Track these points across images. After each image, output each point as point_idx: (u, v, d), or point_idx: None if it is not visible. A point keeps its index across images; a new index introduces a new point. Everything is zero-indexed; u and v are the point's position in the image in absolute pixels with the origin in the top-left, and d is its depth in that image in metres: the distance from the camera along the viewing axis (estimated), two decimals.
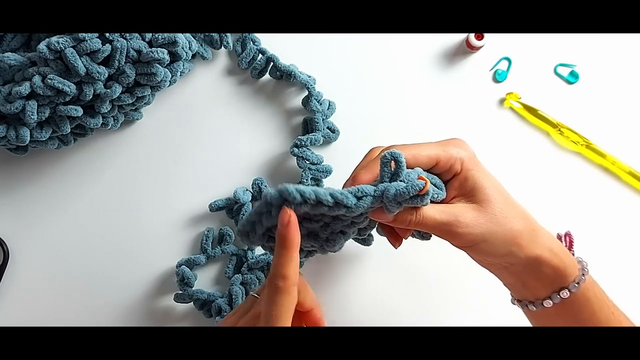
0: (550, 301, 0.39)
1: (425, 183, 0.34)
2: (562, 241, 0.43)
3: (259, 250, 0.54)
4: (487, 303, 0.53)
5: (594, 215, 0.54)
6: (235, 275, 0.52)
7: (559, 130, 0.55)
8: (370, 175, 0.38)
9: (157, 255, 0.54)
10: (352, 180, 0.39)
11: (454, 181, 0.40)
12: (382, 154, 0.35)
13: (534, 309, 0.40)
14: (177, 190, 0.55)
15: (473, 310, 0.53)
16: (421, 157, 0.39)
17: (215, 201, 0.53)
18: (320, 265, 0.54)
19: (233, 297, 0.51)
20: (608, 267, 0.54)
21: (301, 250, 0.40)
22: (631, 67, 0.56)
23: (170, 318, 0.54)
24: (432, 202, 0.37)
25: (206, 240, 0.53)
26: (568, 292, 0.38)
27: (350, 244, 0.54)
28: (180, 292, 0.52)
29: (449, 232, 0.37)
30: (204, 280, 0.54)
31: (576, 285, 0.38)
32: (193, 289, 0.52)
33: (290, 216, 0.34)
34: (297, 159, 0.53)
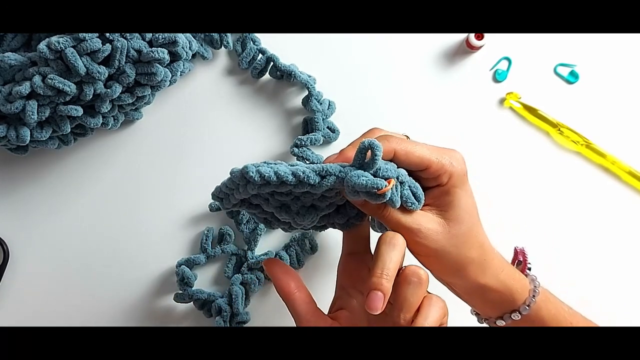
0: (503, 321, 0.40)
1: (387, 185, 0.34)
2: (516, 258, 0.43)
3: (259, 250, 0.54)
4: None
5: (594, 215, 0.54)
6: (235, 275, 0.52)
7: (559, 130, 0.55)
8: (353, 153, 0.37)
9: (157, 255, 0.54)
10: (339, 154, 0.39)
11: (436, 190, 0.39)
12: (364, 140, 0.35)
13: (488, 325, 0.41)
14: (177, 190, 0.55)
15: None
16: (413, 156, 0.38)
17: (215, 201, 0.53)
18: (320, 263, 0.54)
19: (233, 297, 0.51)
20: (608, 267, 0.54)
21: (280, 222, 0.41)
22: (631, 67, 0.56)
23: (170, 318, 0.54)
24: (403, 207, 0.37)
25: (206, 240, 0.53)
26: (519, 315, 0.39)
27: None
28: (180, 292, 0.52)
29: (408, 238, 0.37)
30: (204, 280, 0.54)
31: (527, 307, 0.39)
32: (193, 288, 0.52)
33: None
34: (297, 158, 0.53)
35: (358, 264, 0.40)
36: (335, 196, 0.39)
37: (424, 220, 0.37)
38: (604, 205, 0.55)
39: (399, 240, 0.36)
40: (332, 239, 0.54)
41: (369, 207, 0.37)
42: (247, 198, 0.39)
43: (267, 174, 0.35)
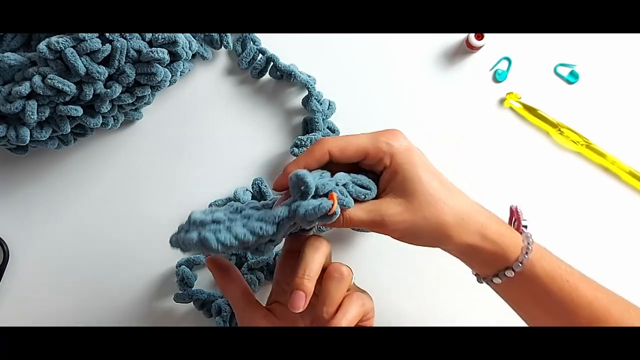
0: (499, 279, 0.40)
1: (333, 204, 0.35)
2: (512, 217, 0.43)
3: None
4: (485, 294, 0.53)
5: (594, 215, 0.54)
6: None
7: (559, 130, 0.55)
8: (296, 167, 0.39)
9: (157, 255, 0.54)
10: (283, 172, 0.40)
11: (385, 174, 0.40)
12: (290, 174, 0.36)
13: (486, 284, 0.42)
14: (177, 190, 0.55)
15: (472, 303, 0.53)
16: (349, 151, 0.40)
17: (215, 201, 0.53)
18: None
19: None
20: (608, 267, 0.54)
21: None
22: (631, 67, 0.56)
23: (170, 318, 0.54)
24: (360, 201, 0.39)
25: None
26: (512, 272, 0.39)
27: (352, 239, 0.54)
28: (180, 292, 0.52)
29: (377, 229, 0.39)
30: (204, 280, 0.54)
31: (519, 264, 0.39)
32: (193, 289, 0.52)
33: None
34: None
35: (294, 261, 0.40)
36: (292, 227, 0.39)
37: (384, 207, 0.38)
38: (604, 205, 0.55)
39: (322, 244, 0.39)
40: (332, 240, 0.54)
41: (330, 224, 0.38)
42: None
43: (228, 241, 0.36)
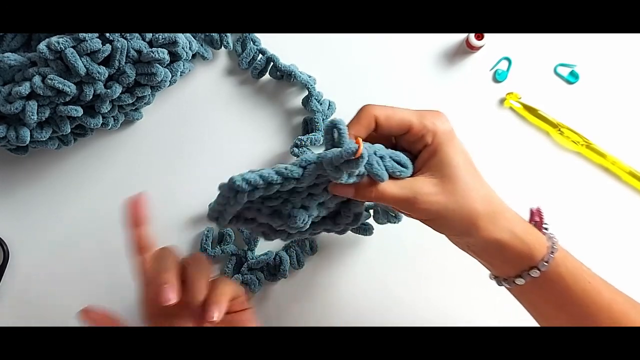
0: (522, 279, 0.39)
1: (358, 147, 0.34)
2: (532, 218, 0.42)
3: (259, 251, 0.54)
4: (488, 296, 0.53)
5: (594, 215, 0.54)
6: (235, 276, 0.52)
7: (559, 130, 0.55)
8: (353, 132, 0.39)
9: None
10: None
11: (424, 153, 0.39)
12: (327, 122, 0.36)
13: (509, 286, 0.41)
14: (177, 190, 0.55)
15: (475, 305, 0.53)
16: (394, 120, 0.39)
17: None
18: (320, 263, 0.54)
19: None
20: (608, 267, 0.54)
21: (277, 231, 0.42)
22: (631, 67, 0.56)
23: None
24: (394, 178, 0.38)
25: (206, 240, 0.53)
26: (538, 272, 0.39)
27: (353, 240, 0.54)
28: None
29: (408, 207, 0.38)
30: None
31: (545, 264, 0.38)
32: None
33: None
34: (297, 159, 0.53)
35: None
36: (322, 193, 0.39)
37: (418, 185, 0.38)
38: (604, 205, 0.55)
39: (164, 252, 0.40)
40: (333, 240, 0.54)
41: (360, 194, 0.38)
42: (241, 213, 0.40)
43: (253, 179, 0.36)
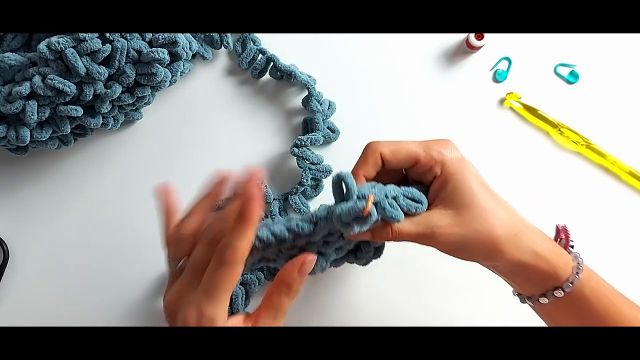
0: (546, 299, 0.39)
1: (367, 205, 0.34)
2: (558, 236, 0.42)
3: None
4: (493, 300, 0.53)
5: (594, 216, 0.54)
6: None
7: (559, 130, 0.55)
8: (354, 177, 0.38)
9: (157, 255, 0.53)
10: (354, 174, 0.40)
11: (435, 184, 0.39)
12: (334, 175, 0.36)
13: (532, 304, 0.40)
14: (177, 190, 0.55)
15: (477, 306, 0.53)
16: (400, 154, 0.39)
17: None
18: None
19: (232, 297, 0.51)
20: (609, 267, 0.54)
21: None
22: (631, 67, 0.56)
23: None
24: (411, 215, 0.38)
25: None
26: (562, 292, 0.38)
27: None
28: None
29: (427, 242, 0.37)
30: None
31: (570, 285, 0.38)
32: None
33: (255, 192, 0.34)
34: (297, 159, 0.53)
35: None
36: (338, 240, 0.39)
37: (434, 219, 0.37)
38: (604, 205, 0.55)
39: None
40: None
41: (378, 236, 0.37)
42: (262, 256, 0.41)
43: (265, 237, 0.37)
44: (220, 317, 0.34)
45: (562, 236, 0.42)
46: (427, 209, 0.39)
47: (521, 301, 0.42)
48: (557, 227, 0.43)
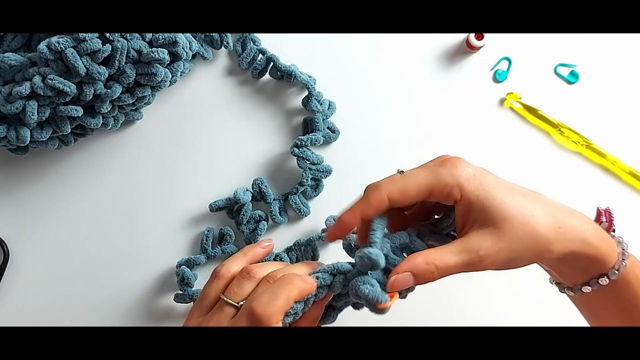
0: (589, 287, 0.37)
1: (389, 303, 0.34)
2: (599, 219, 0.40)
3: None
4: (493, 300, 0.53)
5: (594, 216, 0.54)
6: None
7: (559, 130, 0.55)
8: (352, 217, 0.37)
9: (157, 255, 0.54)
10: (337, 222, 0.37)
11: (459, 207, 0.36)
12: (362, 254, 0.35)
13: (572, 294, 0.39)
14: (177, 190, 0.55)
15: (477, 306, 0.53)
16: (410, 192, 0.36)
17: (215, 201, 0.53)
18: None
19: None
20: None
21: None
22: (631, 67, 0.56)
23: (170, 318, 0.54)
24: (434, 246, 0.37)
25: (206, 240, 0.53)
26: (607, 279, 0.36)
27: None
28: (181, 292, 0.52)
29: (476, 268, 0.35)
30: (204, 280, 0.54)
31: (616, 272, 0.36)
32: (193, 289, 0.52)
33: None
34: (297, 159, 0.53)
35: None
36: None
37: (475, 243, 0.35)
38: (604, 206, 0.54)
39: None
40: (333, 246, 0.54)
41: (420, 279, 0.35)
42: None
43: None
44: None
45: (603, 219, 0.40)
46: (461, 235, 0.36)
47: (560, 290, 0.40)
48: (598, 209, 0.40)
